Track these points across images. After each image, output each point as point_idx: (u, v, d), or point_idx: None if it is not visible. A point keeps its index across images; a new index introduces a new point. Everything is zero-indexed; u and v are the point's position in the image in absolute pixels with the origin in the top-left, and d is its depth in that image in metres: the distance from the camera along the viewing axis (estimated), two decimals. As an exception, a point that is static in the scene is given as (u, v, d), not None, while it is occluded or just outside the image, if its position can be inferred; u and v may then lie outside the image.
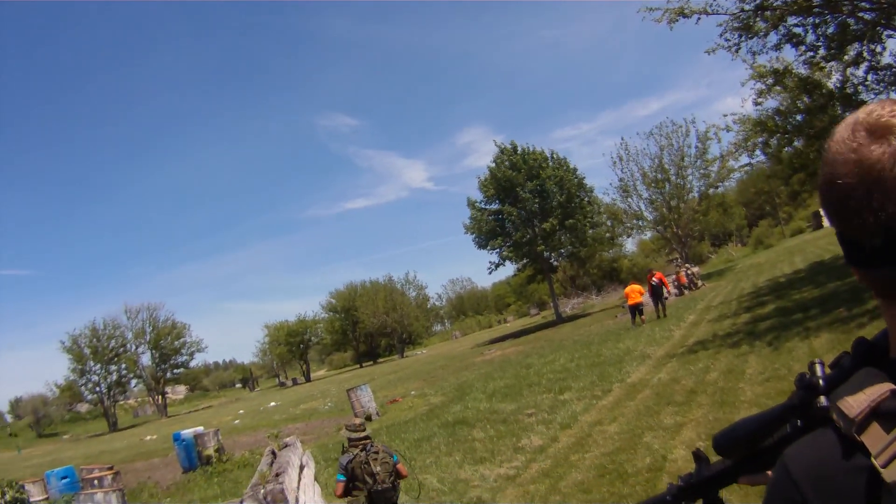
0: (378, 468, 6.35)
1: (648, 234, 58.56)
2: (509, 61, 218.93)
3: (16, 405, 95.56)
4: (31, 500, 17.38)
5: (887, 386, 0.87)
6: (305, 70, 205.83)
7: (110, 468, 17.28)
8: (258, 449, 18.00)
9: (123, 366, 76.20)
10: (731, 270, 43.26)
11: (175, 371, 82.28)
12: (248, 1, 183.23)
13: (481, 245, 47.78)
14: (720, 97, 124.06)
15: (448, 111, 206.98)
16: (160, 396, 79.30)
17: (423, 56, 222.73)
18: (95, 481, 15.48)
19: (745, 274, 35.48)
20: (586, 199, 46.98)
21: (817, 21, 19.56)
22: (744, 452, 1.10)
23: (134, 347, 77.60)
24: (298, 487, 7.83)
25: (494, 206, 47.17)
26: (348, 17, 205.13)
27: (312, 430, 21.36)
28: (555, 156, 47.39)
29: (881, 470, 0.81)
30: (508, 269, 52.82)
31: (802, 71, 21.04)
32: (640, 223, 49.94)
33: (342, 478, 6.47)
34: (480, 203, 47.81)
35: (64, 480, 18.10)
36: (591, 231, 47.34)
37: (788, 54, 21.20)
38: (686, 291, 34.93)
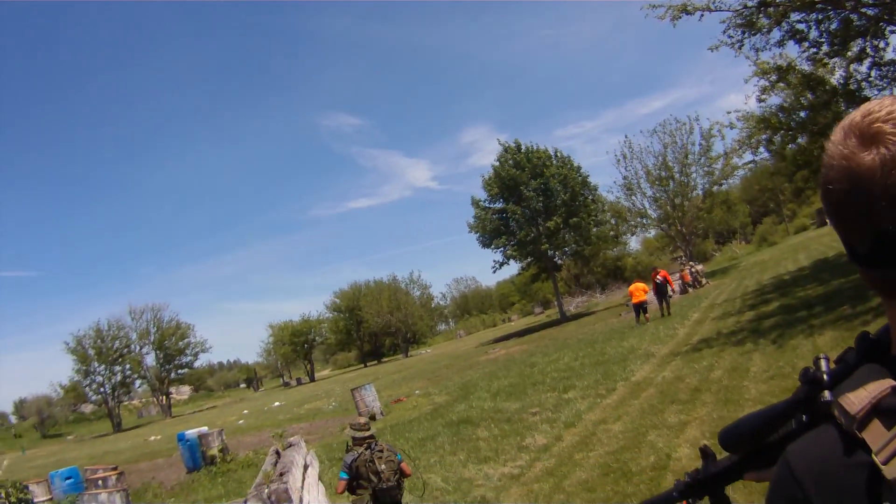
0: (383, 466, 6.37)
1: (652, 232, 58.54)
2: (512, 59, 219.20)
3: (20, 406, 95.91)
4: (36, 500, 17.45)
5: (888, 382, 0.87)
6: (308, 70, 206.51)
7: (114, 468, 17.34)
8: (262, 449, 18.02)
9: (128, 366, 76.45)
10: (735, 268, 43.19)
11: (179, 371, 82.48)
12: (250, 1, 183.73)
13: (485, 244, 47.74)
14: (723, 94, 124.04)
15: (451, 110, 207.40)
16: (164, 397, 79.50)
17: (425, 55, 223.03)
18: (100, 482, 15.53)
19: (750, 271, 35.42)
20: (590, 197, 46.90)
21: (820, 17, 19.50)
22: (749, 448, 1.10)
23: (138, 348, 77.99)
24: (302, 487, 7.82)
25: (498, 205, 47.12)
26: (350, 16, 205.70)
27: (317, 429, 21.37)
28: (559, 154, 47.36)
29: (882, 467, 0.81)
30: (512, 268, 52.79)
31: (806, 67, 20.98)
32: (644, 221, 49.86)
33: (345, 476, 6.48)
34: (484, 202, 47.80)
35: (68, 481, 18.14)
36: (595, 229, 47.28)
37: (792, 51, 21.21)
38: (690, 289, 34.85)
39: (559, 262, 51.64)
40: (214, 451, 18.16)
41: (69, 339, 73.37)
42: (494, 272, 58.72)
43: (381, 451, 6.51)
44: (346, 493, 6.71)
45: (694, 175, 46.96)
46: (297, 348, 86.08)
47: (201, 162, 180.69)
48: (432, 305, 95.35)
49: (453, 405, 17.97)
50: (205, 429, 20.37)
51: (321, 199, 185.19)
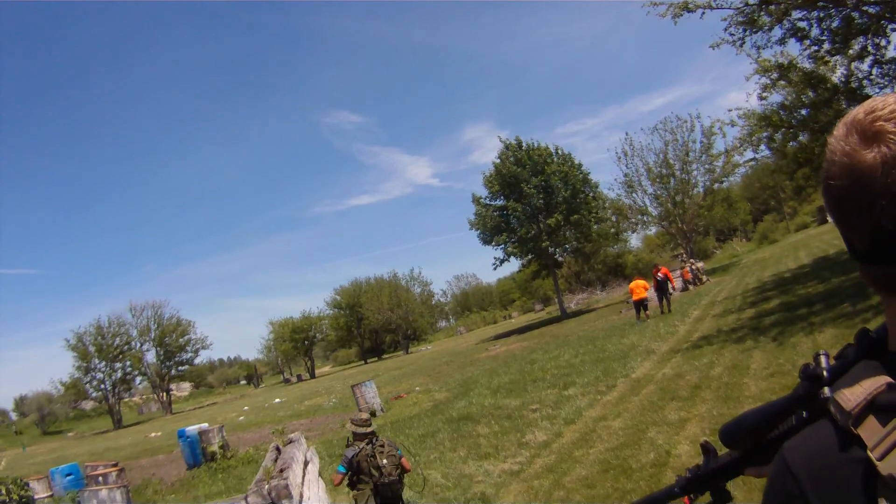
0: (385, 461, 6.39)
1: (653, 230, 58.61)
2: (513, 57, 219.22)
3: (21, 403, 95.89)
4: (36, 497, 17.46)
5: (884, 379, 0.87)
6: (309, 68, 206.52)
7: (115, 465, 17.35)
8: (262, 445, 18.03)
9: (128, 363, 76.39)
10: (735, 265, 43.19)
11: (180, 368, 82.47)
12: (251, 0, 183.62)
13: (486, 241, 47.67)
14: (725, 92, 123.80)
15: (452, 107, 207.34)
16: (165, 393, 79.50)
17: (427, 53, 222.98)
18: (100, 478, 15.55)
19: (750, 269, 35.42)
20: (591, 194, 46.79)
21: (822, 15, 19.46)
22: (750, 444, 1.11)
23: (139, 345, 77.93)
24: (303, 483, 7.83)
25: (499, 202, 47.04)
26: (352, 14, 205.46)
27: (317, 426, 21.39)
28: (559, 151, 47.25)
29: (877, 463, 0.81)
30: (513, 265, 52.94)
31: (807, 65, 20.95)
32: (645, 218, 49.91)
33: (343, 469, 6.51)
34: (485, 199, 47.72)
35: (69, 477, 18.17)
36: (595, 226, 47.21)
37: (793, 48, 21.10)
38: (691, 287, 34.85)
39: (560, 259, 51.61)
40: (215, 448, 18.18)
41: (70, 336, 73.54)
42: (495, 269, 58.93)
43: (382, 445, 6.53)
44: (347, 490, 6.73)
45: (695, 172, 47.03)
46: (297, 345, 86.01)
47: (203, 160, 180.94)
48: (433, 302, 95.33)
49: (454, 402, 17.98)
50: (205, 425, 20.40)
51: (323, 196, 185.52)
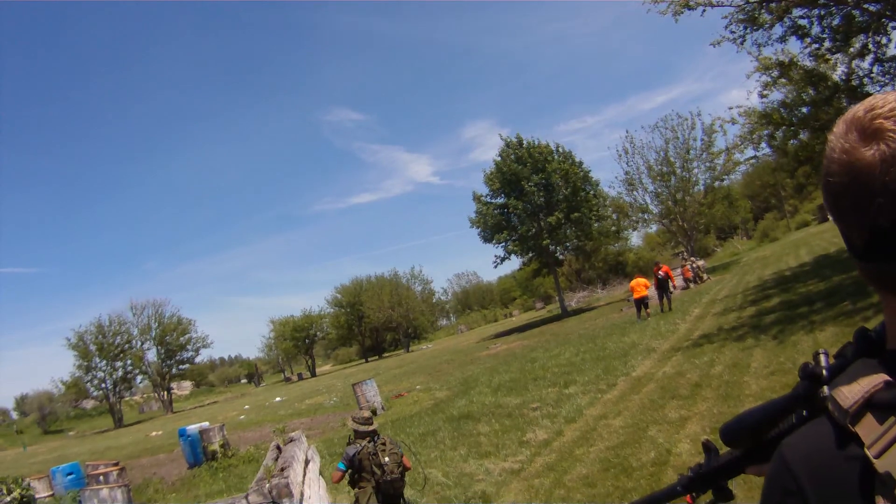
0: (387, 459, 6.39)
1: (654, 228, 58.60)
2: (514, 55, 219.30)
3: (21, 402, 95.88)
4: (37, 496, 17.46)
5: (881, 377, 0.88)
6: (309, 65, 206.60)
7: (116, 464, 17.36)
8: (263, 444, 18.04)
9: (129, 362, 76.43)
10: (736, 264, 43.17)
11: (180, 367, 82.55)
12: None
13: (487, 239, 47.66)
14: (725, 90, 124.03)
15: (453, 105, 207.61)
16: (166, 392, 79.55)
17: (427, 51, 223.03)
18: (101, 477, 15.56)
19: (751, 267, 35.42)
20: (592, 192, 46.77)
21: (822, 13, 19.47)
22: (750, 443, 1.11)
23: (139, 343, 77.94)
24: (303, 482, 7.83)
25: (500, 200, 47.02)
26: (352, 11, 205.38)
27: (318, 424, 21.40)
28: (560, 149, 47.24)
29: (874, 460, 0.82)
30: (514, 263, 52.98)
31: (808, 63, 20.98)
32: (646, 216, 49.95)
33: (343, 467, 6.50)
34: (486, 197, 47.72)
35: (69, 477, 18.16)
36: (596, 224, 47.20)
37: (794, 46, 21.22)
38: (691, 285, 34.86)
39: (560, 257, 51.61)
40: (215, 447, 18.18)
41: (71, 334, 73.54)
42: (496, 267, 58.96)
43: (384, 443, 6.53)
44: (348, 488, 6.73)
45: (695, 170, 47.09)
46: (298, 343, 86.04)
47: (204, 158, 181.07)
48: (433, 300, 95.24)
49: (454, 400, 17.99)
50: (206, 424, 20.40)
51: (323, 194, 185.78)
